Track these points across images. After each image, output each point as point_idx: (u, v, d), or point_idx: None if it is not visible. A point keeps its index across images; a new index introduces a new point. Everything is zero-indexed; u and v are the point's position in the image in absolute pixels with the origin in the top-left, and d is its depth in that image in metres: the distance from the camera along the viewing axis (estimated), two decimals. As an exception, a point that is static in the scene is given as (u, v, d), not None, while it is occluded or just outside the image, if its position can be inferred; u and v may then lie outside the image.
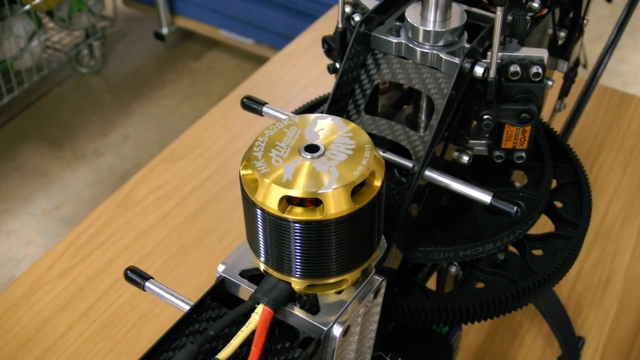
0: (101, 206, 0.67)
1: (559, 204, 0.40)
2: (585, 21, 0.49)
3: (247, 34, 1.89)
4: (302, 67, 0.85)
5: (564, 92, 0.52)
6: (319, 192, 0.27)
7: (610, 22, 0.78)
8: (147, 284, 0.32)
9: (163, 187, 0.69)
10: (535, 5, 0.37)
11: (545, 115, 0.51)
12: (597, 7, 0.60)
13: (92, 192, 1.64)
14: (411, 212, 0.33)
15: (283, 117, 0.36)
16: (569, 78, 0.52)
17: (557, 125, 0.53)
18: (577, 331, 0.57)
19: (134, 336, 0.57)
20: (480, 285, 0.37)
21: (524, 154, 0.35)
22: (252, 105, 0.36)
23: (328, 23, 0.91)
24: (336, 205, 0.27)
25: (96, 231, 0.65)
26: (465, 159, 0.35)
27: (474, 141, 0.36)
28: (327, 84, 0.82)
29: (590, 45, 0.64)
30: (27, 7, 1.81)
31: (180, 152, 0.73)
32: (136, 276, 0.33)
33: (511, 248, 0.39)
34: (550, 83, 0.38)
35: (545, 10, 0.40)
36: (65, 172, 1.72)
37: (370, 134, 0.32)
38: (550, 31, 0.44)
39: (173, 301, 0.32)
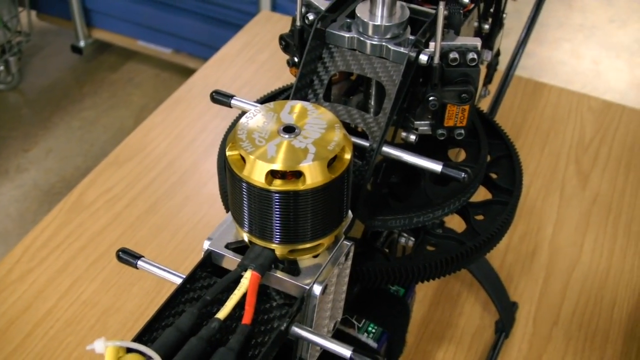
0: (53, 210, 0.69)
1: (494, 175, 0.45)
2: (504, 15, 0.54)
3: (165, 44, 1.90)
4: (236, 70, 0.88)
5: (488, 79, 0.57)
6: (300, 165, 0.31)
7: (515, 18, 0.85)
8: (139, 262, 0.35)
9: (112, 189, 0.72)
10: (466, 0, 0.42)
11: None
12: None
13: (18, 208, 1.62)
14: (369, 187, 0.38)
15: (250, 107, 0.40)
16: (492, 66, 0.58)
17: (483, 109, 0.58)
18: (510, 297, 0.63)
19: (99, 330, 0.59)
20: (432, 248, 0.41)
21: (463, 131, 0.40)
22: (221, 98, 0.40)
23: (255, 29, 0.95)
24: (314, 176, 0.31)
25: (51, 234, 0.66)
26: (413, 137, 0.40)
27: (419, 122, 0.40)
28: (261, 85, 0.86)
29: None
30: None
31: (125, 156, 0.76)
32: (128, 256, 0.36)
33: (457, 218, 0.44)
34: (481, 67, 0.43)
35: (473, 5, 0.45)
36: (-11, 189, 1.70)
37: None
38: (475, 24, 0.49)
39: (165, 276, 0.35)
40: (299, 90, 0.39)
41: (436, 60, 0.37)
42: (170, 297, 0.33)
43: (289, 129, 0.32)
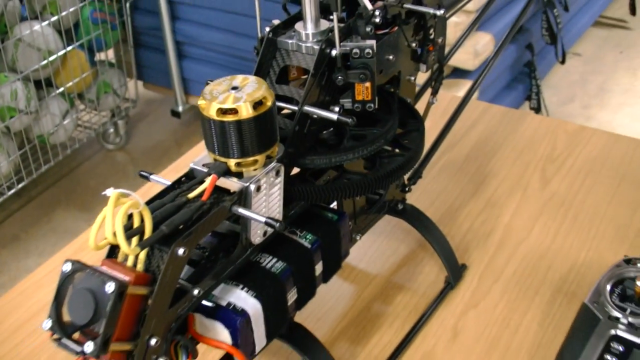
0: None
1: (404, 141, 0.65)
2: (439, 39, 0.73)
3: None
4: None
5: (435, 91, 0.76)
6: (236, 104, 0.51)
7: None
8: (152, 176, 0.56)
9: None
10: (377, 20, 0.62)
11: (422, 106, 0.75)
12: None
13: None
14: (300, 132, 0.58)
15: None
16: (437, 80, 0.76)
17: (435, 114, 0.77)
18: (461, 261, 0.80)
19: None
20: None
21: (372, 104, 0.60)
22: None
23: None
24: (244, 112, 0.52)
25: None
26: (337, 109, 0.60)
27: (342, 100, 0.60)
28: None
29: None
30: (62, 89, 2.11)
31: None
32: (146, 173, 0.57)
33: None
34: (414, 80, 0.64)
35: (396, 28, 0.65)
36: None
37: (277, 95, 0.57)
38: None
39: (160, 180, 0.56)
40: (259, 68, 0.60)
41: (335, 52, 0.57)
42: (163, 189, 0.54)
43: (234, 88, 0.53)
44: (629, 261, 0.68)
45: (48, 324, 0.47)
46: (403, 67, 0.68)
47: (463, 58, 1.74)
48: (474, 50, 1.75)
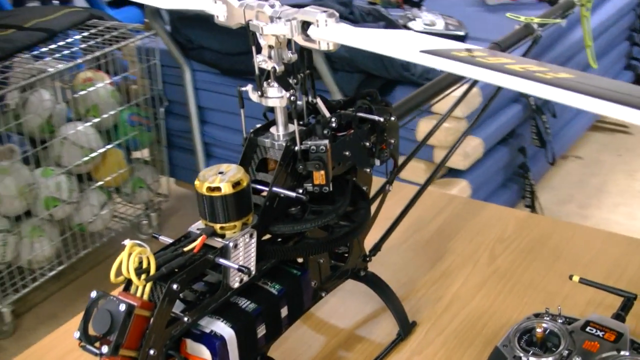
0: None
1: (353, 216, 0.85)
2: (392, 140, 0.93)
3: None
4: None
5: (390, 181, 0.96)
6: (220, 184, 0.72)
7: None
8: (160, 237, 0.77)
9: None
10: (333, 125, 0.82)
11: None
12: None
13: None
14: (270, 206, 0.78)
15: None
16: (392, 172, 0.96)
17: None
18: (412, 319, 0.98)
19: None
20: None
21: (326, 187, 0.80)
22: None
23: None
24: (228, 189, 0.72)
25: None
26: (300, 190, 0.80)
27: (306, 184, 0.81)
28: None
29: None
30: (101, 183, 2.35)
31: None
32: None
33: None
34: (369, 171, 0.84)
35: (351, 131, 0.86)
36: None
37: (255, 179, 0.79)
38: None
39: (166, 240, 0.75)
40: (244, 160, 0.81)
41: (297, 148, 0.78)
42: (167, 245, 0.74)
43: (220, 172, 0.74)
44: (537, 315, 0.86)
45: (77, 334, 0.67)
46: (359, 161, 0.89)
47: (455, 159, 1.95)
48: (464, 152, 1.96)
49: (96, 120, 2.32)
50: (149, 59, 2.48)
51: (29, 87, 2.13)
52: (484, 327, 0.96)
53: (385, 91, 1.96)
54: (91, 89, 2.32)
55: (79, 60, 2.22)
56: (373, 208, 0.93)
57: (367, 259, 0.96)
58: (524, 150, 2.26)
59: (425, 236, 1.17)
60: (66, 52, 2.24)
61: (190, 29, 2.34)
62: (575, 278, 0.93)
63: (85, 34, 2.35)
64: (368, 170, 0.91)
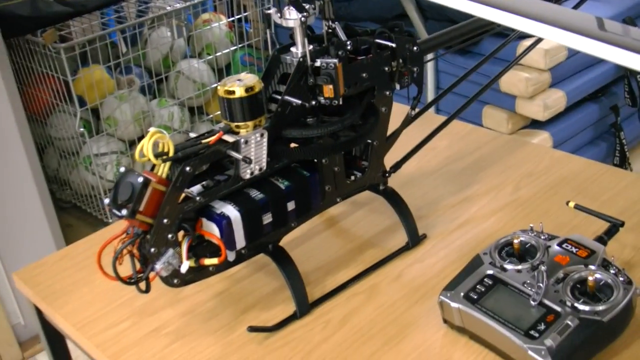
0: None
1: (360, 128, 0.96)
2: (415, 68, 1.03)
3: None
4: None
5: (413, 106, 1.06)
6: (235, 88, 0.86)
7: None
8: (190, 133, 0.91)
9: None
10: (349, 48, 0.93)
11: (395, 123, 1.05)
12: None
13: None
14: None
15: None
16: (415, 98, 1.06)
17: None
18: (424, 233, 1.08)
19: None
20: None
21: (336, 101, 0.91)
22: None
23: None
24: (241, 93, 0.85)
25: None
26: (313, 102, 0.92)
27: (319, 98, 0.93)
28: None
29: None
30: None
31: None
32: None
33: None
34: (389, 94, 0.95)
35: (361, 57, 0.96)
36: None
37: (275, 90, 0.92)
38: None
39: (193, 134, 0.90)
40: (267, 74, 0.94)
41: (308, 62, 0.90)
42: (190, 138, 0.88)
43: (239, 80, 0.87)
44: (524, 231, 0.94)
45: (107, 200, 0.83)
46: (378, 84, 0.99)
47: (534, 110, 1.99)
48: (544, 104, 1.99)
49: (210, 57, 2.51)
50: (264, 3, 2.63)
51: (155, 21, 2.35)
52: (486, 243, 1.05)
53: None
54: (206, 27, 2.51)
55: (195, 1, 2.40)
56: (392, 129, 1.03)
57: (387, 174, 1.07)
58: (616, 109, 2.24)
59: (459, 166, 1.26)
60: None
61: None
62: (571, 204, 1.00)
63: (207, -22, 2.53)
64: (387, 93, 1.01)
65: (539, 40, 1.29)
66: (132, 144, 2.37)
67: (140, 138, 2.39)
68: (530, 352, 0.78)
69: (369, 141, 1.02)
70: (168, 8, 2.34)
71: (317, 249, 1.08)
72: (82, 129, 2.21)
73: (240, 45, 2.60)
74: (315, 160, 0.96)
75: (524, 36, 1.47)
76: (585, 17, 0.63)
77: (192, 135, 0.91)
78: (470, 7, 0.69)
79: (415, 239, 1.06)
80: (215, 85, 2.51)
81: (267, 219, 0.91)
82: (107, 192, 2.35)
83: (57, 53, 2.10)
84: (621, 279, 0.84)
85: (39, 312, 1.10)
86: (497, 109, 2.08)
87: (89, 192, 2.39)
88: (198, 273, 0.90)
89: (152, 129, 0.83)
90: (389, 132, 1.04)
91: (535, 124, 2.09)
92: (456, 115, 1.14)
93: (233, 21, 2.60)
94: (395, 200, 1.08)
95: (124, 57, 2.34)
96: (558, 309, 0.81)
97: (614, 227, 0.95)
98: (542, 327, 0.80)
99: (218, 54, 2.53)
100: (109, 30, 2.27)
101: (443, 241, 1.07)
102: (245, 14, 2.63)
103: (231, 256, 0.91)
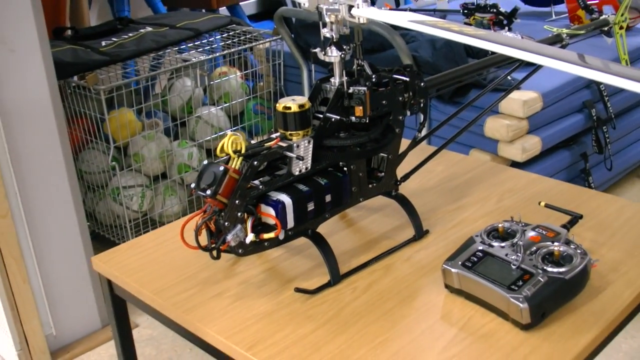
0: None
1: (380, 142, 1.24)
2: (421, 100, 1.32)
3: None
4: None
5: (419, 130, 1.35)
6: (290, 105, 1.14)
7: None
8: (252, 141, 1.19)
9: None
10: (374, 80, 1.22)
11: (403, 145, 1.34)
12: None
13: None
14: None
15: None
16: (421, 123, 1.35)
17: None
18: (426, 228, 1.36)
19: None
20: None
21: (365, 119, 1.20)
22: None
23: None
24: (295, 109, 1.14)
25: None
26: (348, 119, 1.21)
27: (352, 117, 1.21)
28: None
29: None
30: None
31: None
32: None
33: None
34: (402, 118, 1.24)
35: (382, 88, 1.26)
36: None
37: (317, 110, 1.20)
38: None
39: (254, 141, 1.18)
40: (311, 98, 1.23)
41: (344, 89, 1.19)
42: (255, 142, 1.16)
43: (292, 99, 1.16)
44: (507, 220, 1.22)
45: (192, 184, 1.11)
46: (394, 109, 1.28)
47: (514, 152, 2.30)
48: (522, 147, 2.30)
49: (226, 104, 2.81)
50: (274, 59, 2.96)
51: (175, 73, 2.65)
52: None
53: (460, 92, 2.34)
54: (224, 78, 2.81)
55: (217, 54, 2.72)
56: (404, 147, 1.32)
57: (398, 182, 1.35)
58: (585, 156, 2.56)
59: (453, 184, 1.55)
60: (207, 47, 2.75)
61: (310, 35, 2.80)
62: (542, 204, 1.29)
63: (225, 35, 2.86)
64: (401, 117, 1.31)
65: (513, 89, 1.61)
66: (156, 178, 2.64)
67: (164, 175, 2.67)
68: (512, 300, 1.05)
69: (385, 155, 1.30)
70: (193, 60, 2.64)
71: (342, 240, 1.35)
72: (113, 163, 2.48)
73: (253, 96, 2.91)
74: (346, 167, 1.25)
75: (500, 89, 1.78)
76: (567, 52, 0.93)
77: (253, 142, 1.19)
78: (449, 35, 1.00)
79: (420, 233, 1.34)
80: (229, 130, 2.81)
81: (310, 206, 1.19)
82: (132, 221, 2.61)
83: (97, 94, 2.38)
84: (579, 251, 1.12)
85: (111, 290, 1.35)
86: (481, 152, 2.39)
87: (113, 221, 2.64)
88: (257, 246, 1.17)
89: (229, 132, 1.11)
90: (400, 150, 1.33)
91: (514, 165, 2.39)
92: (451, 142, 1.44)
93: (247, 74, 2.92)
94: (404, 202, 1.36)
95: (153, 100, 2.63)
96: (532, 271, 1.09)
97: (575, 218, 1.24)
98: (521, 283, 1.07)
99: (233, 102, 2.83)
100: (141, 77, 2.57)
101: (442, 235, 1.35)
102: (256, 68, 2.94)
103: (282, 235, 1.18)
